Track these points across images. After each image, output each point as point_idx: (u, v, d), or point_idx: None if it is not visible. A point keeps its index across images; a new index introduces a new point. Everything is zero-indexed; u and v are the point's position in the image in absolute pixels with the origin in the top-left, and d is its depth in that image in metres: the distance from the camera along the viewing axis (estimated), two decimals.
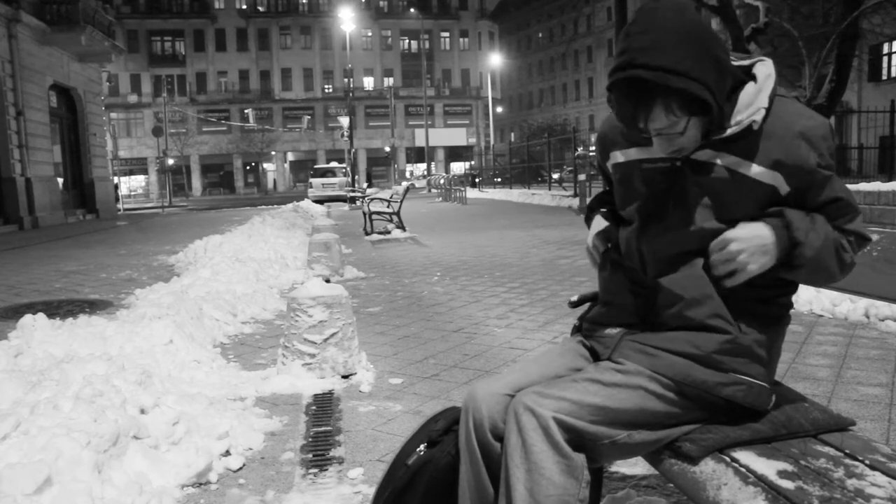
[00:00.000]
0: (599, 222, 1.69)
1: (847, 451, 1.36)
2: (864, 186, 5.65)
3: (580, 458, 1.34)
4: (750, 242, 1.36)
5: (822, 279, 1.44)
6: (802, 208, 1.40)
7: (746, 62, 1.43)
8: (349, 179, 33.01)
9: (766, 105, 1.36)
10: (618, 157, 1.57)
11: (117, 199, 38.39)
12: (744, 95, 1.38)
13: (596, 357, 1.56)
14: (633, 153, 1.52)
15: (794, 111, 1.39)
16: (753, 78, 1.40)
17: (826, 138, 1.38)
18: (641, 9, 1.33)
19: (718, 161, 1.40)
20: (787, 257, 1.37)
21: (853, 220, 1.43)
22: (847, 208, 1.42)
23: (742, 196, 1.39)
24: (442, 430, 1.57)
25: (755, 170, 1.37)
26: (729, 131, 1.37)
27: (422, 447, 1.56)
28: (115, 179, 44.78)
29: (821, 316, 4.45)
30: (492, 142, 58.00)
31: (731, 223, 1.40)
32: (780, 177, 1.37)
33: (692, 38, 1.29)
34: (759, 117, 1.36)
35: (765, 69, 1.41)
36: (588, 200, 14.89)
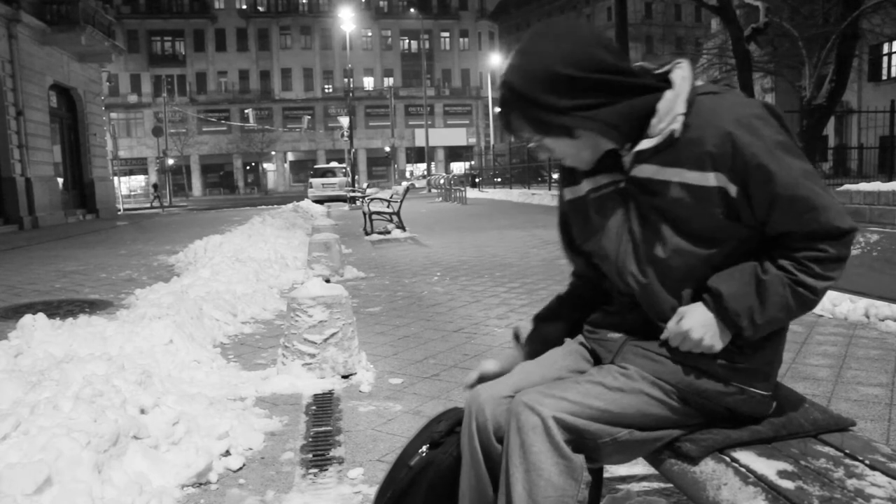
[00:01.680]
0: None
1: (847, 451, 1.36)
2: (864, 186, 5.66)
3: (579, 459, 1.33)
4: (707, 327, 1.37)
5: (780, 325, 1.42)
6: (754, 213, 1.34)
7: (664, 69, 1.41)
8: (349, 179, 33.02)
9: (682, 111, 1.34)
10: (567, 194, 1.56)
11: (157, 198, 37.14)
12: (662, 104, 1.36)
13: (598, 360, 1.55)
14: (585, 186, 1.51)
15: (721, 104, 1.34)
16: (672, 83, 1.38)
17: (761, 117, 1.32)
18: (533, 28, 1.39)
19: (660, 176, 1.37)
20: (736, 334, 1.39)
21: (824, 216, 1.31)
22: (803, 204, 1.30)
23: (693, 206, 1.35)
24: (444, 431, 1.57)
25: (695, 176, 1.34)
26: (649, 143, 1.36)
27: (424, 448, 1.55)
28: (153, 178, 42.95)
29: (821, 316, 4.45)
30: (492, 142, 57.98)
31: (696, 236, 1.37)
32: (722, 176, 1.32)
33: (560, 67, 1.31)
34: (677, 125, 1.34)
35: (680, 73, 1.39)
36: None
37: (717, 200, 1.33)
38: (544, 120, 1.36)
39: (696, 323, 1.37)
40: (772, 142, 1.30)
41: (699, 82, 1.41)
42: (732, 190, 1.32)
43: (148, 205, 35.00)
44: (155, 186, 39.04)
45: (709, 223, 1.35)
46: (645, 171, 1.39)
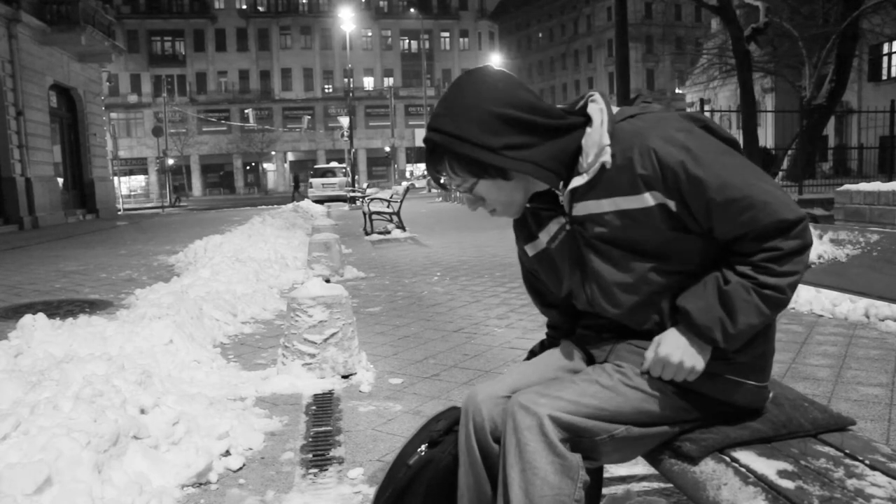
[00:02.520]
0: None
1: (847, 451, 1.36)
2: (864, 186, 5.65)
3: (575, 458, 1.33)
4: (684, 349, 1.37)
5: (758, 329, 1.37)
6: (698, 223, 1.34)
7: (580, 104, 1.43)
8: (349, 179, 33.03)
9: (608, 142, 1.36)
10: (529, 251, 1.59)
11: (178, 199, 36.54)
12: (586, 140, 1.38)
13: (593, 360, 1.56)
14: (543, 238, 1.53)
15: (641, 126, 1.36)
16: (590, 118, 1.40)
17: (682, 129, 1.34)
18: (455, 79, 1.43)
19: (599, 209, 1.39)
20: (715, 348, 1.37)
21: (764, 213, 1.28)
22: (739, 205, 1.28)
23: (641, 228, 1.36)
24: (443, 430, 1.57)
25: (633, 200, 1.35)
26: (581, 180, 1.38)
27: (423, 447, 1.56)
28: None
29: (821, 316, 4.45)
30: None
31: (654, 256, 1.38)
32: (658, 194, 1.33)
33: (486, 107, 1.34)
34: (606, 157, 1.35)
35: (596, 106, 1.41)
36: None
37: (661, 216, 1.34)
38: (480, 159, 1.35)
39: (673, 347, 1.38)
40: (696, 149, 1.31)
41: (614, 109, 1.43)
42: (671, 205, 1.33)
43: (170, 203, 34.93)
44: (176, 188, 39.03)
45: (661, 240, 1.37)
46: (584, 208, 1.41)
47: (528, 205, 1.50)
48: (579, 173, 1.39)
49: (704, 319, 1.34)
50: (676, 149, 1.31)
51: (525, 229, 1.58)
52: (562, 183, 1.42)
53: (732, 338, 1.34)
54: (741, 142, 15.69)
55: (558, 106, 1.45)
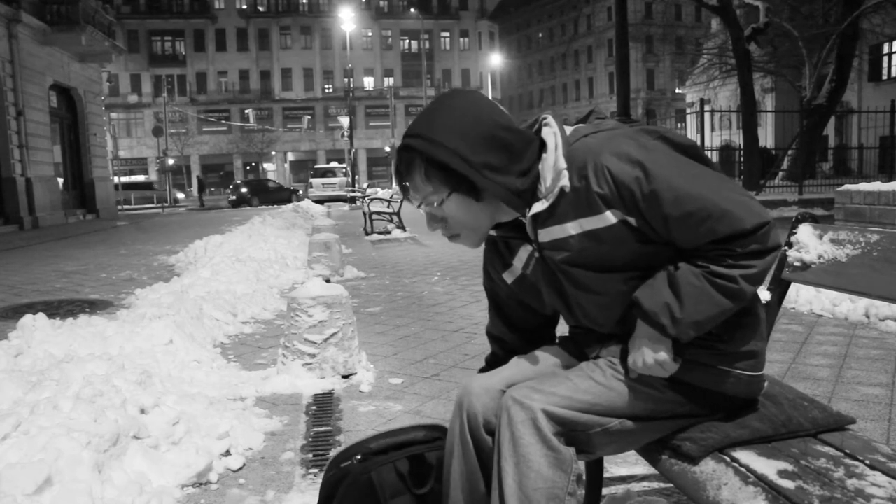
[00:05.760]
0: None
1: (847, 451, 1.36)
2: (864, 186, 5.65)
3: (569, 452, 1.34)
4: (643, 345, 1.37)
5: (716, 321, 1.34)
6: (658, 234, 1.33)
7: (534, 128, 1.43)
8: (349, 179, 33.06)
9: (564, 166, 1.35)
10: (508, 278, 1.59)
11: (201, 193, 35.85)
12: (543, 164, 1.39)
13: (585, 357, 1.57)
14: (518, 266, 1.54)
15: (593, 145, 1.35)
16: (545, 143, 1.40)
17: (636, 144, 1.32)
18: (435, 98, 1.44)
19: (563, 233, 1.38)
20: (669, 336, 1.35)
21: (723, 223, 1.27)
22: (697, 217, 1.27)
23: (608, 246, 1.35)
24: (376, 450, 1.58)
25: (595, 220, 1.34)
26: (541, 206, 1.38)
27: (358, 456, 1.58)
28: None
29: (821, 316, 4.45)
30: None
31: (623, 269, 1.38)
32: (617, 211, 1.32)
33: (468, 123, 1.34)
34: (565, 181, 1.35)
35: (549, 130, 1.41)
36: None
37: (625, 231, 1.34)
38: (458, 170, 1.33)
39: (634, 355, 1.39)
40: (650, 163, 1.30)
41: (568, 129, 1.42)
42: (631, 220, 1.33)
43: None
44: (200, 180, 38.35)
45: (630, 254, 1.37)
46: (548, 234, 1.40)
47: (493, 233, 1.50)
48: (539, 199, 1.39)
49: (650, 304, 1.33)
50: (630, 165, 1.30)
51: (499, 258, 1.59)
52: (527, 209, 1.42)
53: (681, 323, 1.32)
54: (742, 142, 15.71)
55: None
